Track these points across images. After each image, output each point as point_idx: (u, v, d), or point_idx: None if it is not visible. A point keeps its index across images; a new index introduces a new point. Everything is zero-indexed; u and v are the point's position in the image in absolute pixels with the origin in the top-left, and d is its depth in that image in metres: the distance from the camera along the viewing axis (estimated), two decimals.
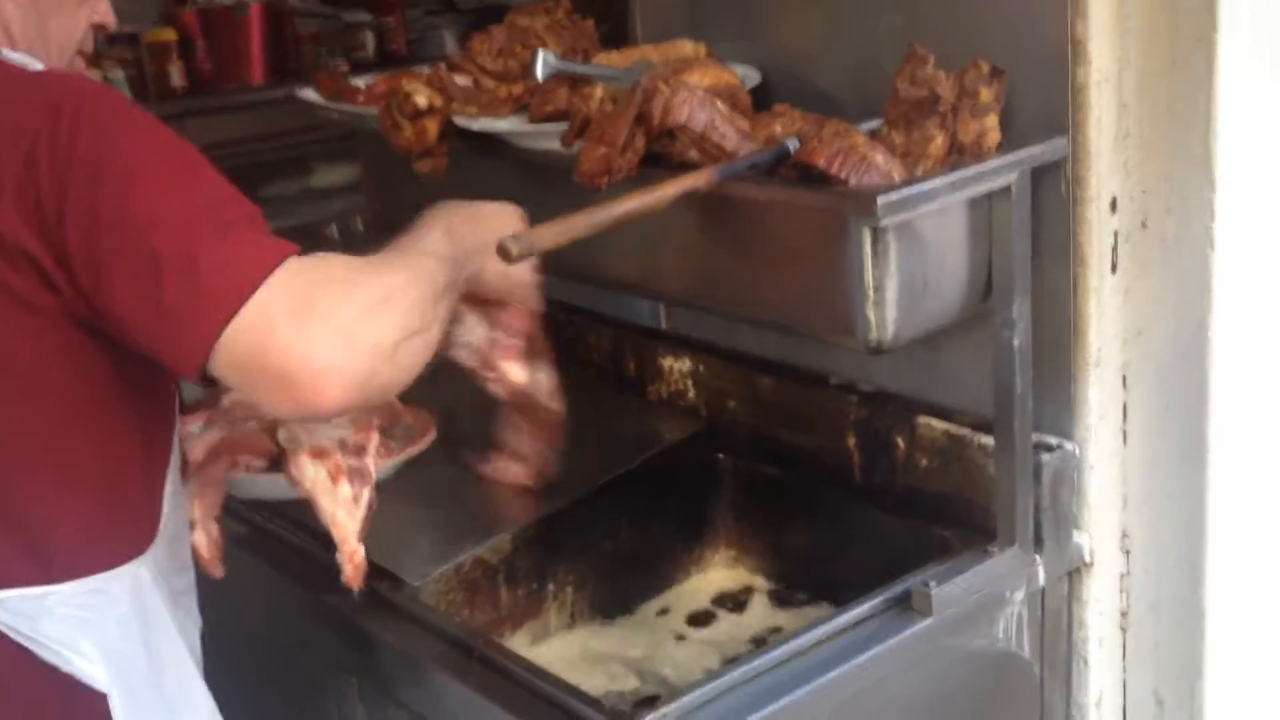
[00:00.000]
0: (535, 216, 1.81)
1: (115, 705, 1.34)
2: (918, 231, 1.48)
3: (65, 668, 1.33)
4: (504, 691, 1.51)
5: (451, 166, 1.87)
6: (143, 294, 1.20)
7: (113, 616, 1.35)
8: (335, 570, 1.71)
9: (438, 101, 1.79)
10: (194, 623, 1.50)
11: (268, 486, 1.69)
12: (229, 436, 1.63)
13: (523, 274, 1.54)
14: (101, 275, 1.21)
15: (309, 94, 2.10)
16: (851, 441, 1.88)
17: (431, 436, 1.91)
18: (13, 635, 1.32)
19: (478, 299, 1.55)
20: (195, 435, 1.58)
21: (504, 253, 1.35)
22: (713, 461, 2.03)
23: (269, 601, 1.80)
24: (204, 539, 1.60)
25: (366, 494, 1.52)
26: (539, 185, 1.82)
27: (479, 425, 1.79)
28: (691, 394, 2.11)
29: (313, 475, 1.51)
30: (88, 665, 1.33)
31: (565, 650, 1.89)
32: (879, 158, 1.47)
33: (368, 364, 1.22)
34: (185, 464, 1.55)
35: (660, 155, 1.62)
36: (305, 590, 1.73)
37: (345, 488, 1.51)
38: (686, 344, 2.15)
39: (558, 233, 1.37)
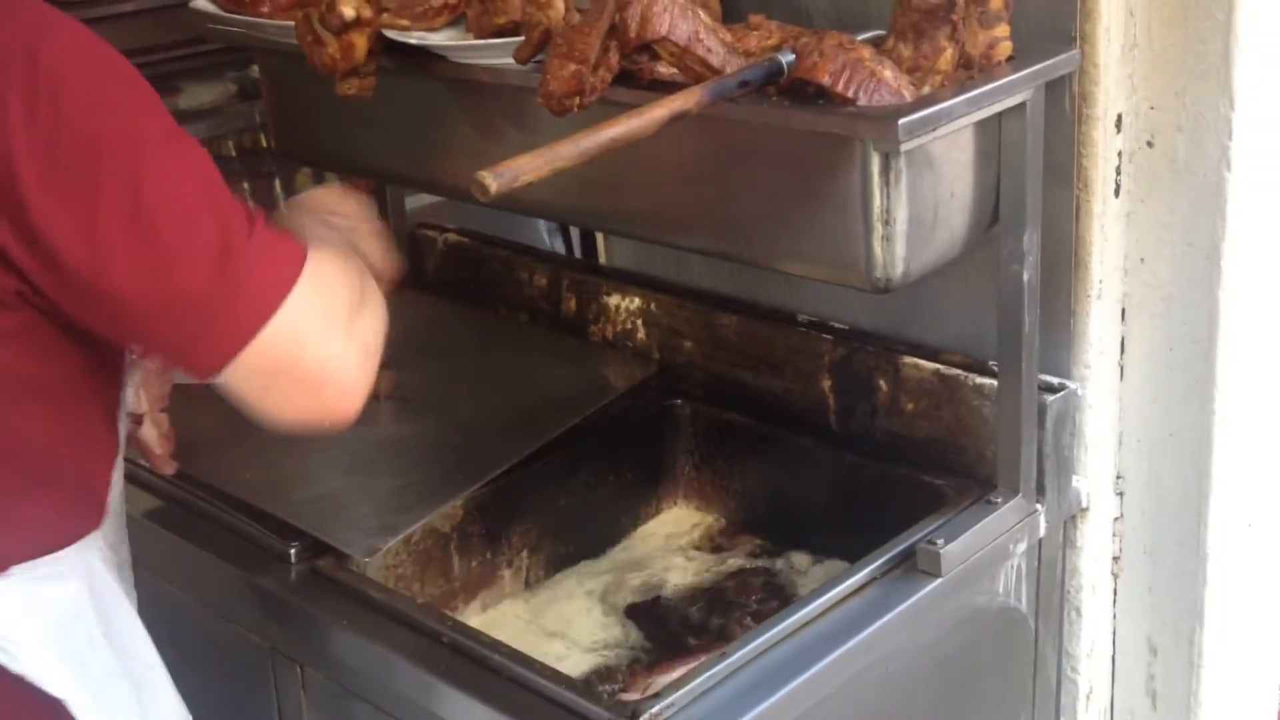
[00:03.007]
0: (479, 145, 1.64)
1: (75, 709, 1.20)
2: (929, 155, 1.34)
3: (14, 667, 1.18)
4: (479, 681, 1.35)
5: (379, 89, 1.66)
6: (159, 285, 1.09)
7: (66, 604, 1.20)
8: (270, 549, 1.54)
9: (366, 12, 1.57)
10: (133, 600, 1.34)
11: None
12: None
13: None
14: (108, 261, 1.07)
15: (203, 3, 1.86)
16: (826, 384, 1.74)
17: None
18: None
19: None
20: None
21: (481, 187, 1.17)
22: (669, 408, 1.88)
23: (198, 583, 1.60)
24: (153, 433, 1.49)
25: None
26: (482, 110, 1.64)
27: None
28: (641, 335, 1.95)
29: None
30: (39, 666, 1.18)
31: (518, 610, 1.74)
32: (888, 73, 1.31)
33: (369, 367, 1.18)
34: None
35: (628, 73, 1.44)
36: (238, 570, 1.54)
37: None
38: (633, 280, 1.98)
39: (541, 163, 1.19)
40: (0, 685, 1.19)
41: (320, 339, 1.13)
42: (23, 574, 1.19)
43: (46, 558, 1.21)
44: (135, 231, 1.08)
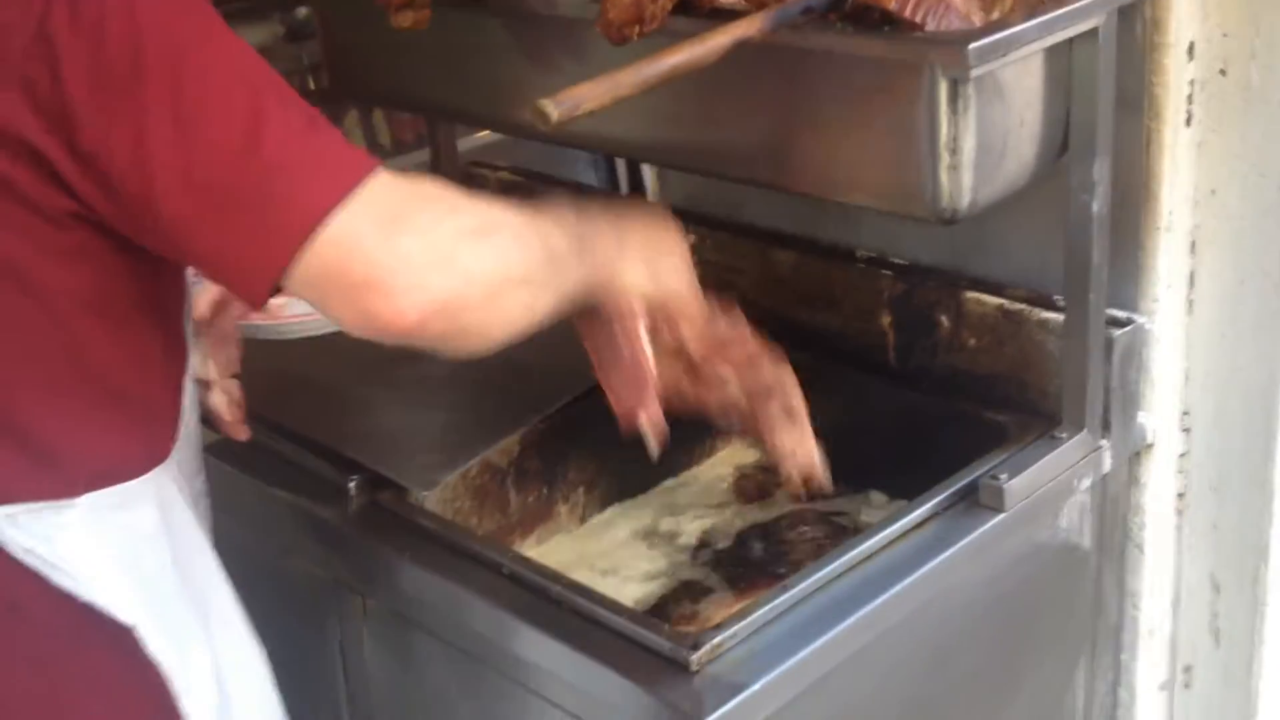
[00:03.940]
0: (535, 78, 1.63)
1: (144, 635, 1.19)
2: (998, 82, 1.31)
3: (84, 595, 1.17)
4: (539, 611, 1.35)
5: (434, 22, 1.65)
6: (203, 195, 1.04)
7: (138, 532, 1.19)
8: (329, 482, 1.55)
9: None
10: (209, 528, 1.34)
11: (278, 329, 1.62)
12: None
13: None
14: (154, 171, 1.03)
15: None
16: (886, 320, 1.72)
17: None
18: (25, 558, 1.15)
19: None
20: (194, 286, 1.37)
21: (541, 115, 1.16)
22: None
23: (258, 516, 1.61)
24: (223, 399, 1.45)
25: None
26: (539, 42, 1.62)
27: None
28: (697, 272, 1.92)
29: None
30: (109, 594, 1.17)
31: (570, 545, 1.74)
32: None
33: (460, 290, 1.10)
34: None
35: (687, 2, 1.42)
36: (298, 503, 1.55)
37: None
38: (687, 217, 1.94)
39: (603, 91, 1.17)
40: (69, 613, 1.18)
41: (375, 241, 1.07)
42: (94, 502, 1.18)
43: (117, 487, 1.19)
44: (179, 140, 1.04)
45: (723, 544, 1.69)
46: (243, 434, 1.49)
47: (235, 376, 1.48)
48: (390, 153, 3.43)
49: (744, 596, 1.52)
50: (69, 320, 1.13)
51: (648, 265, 1.31)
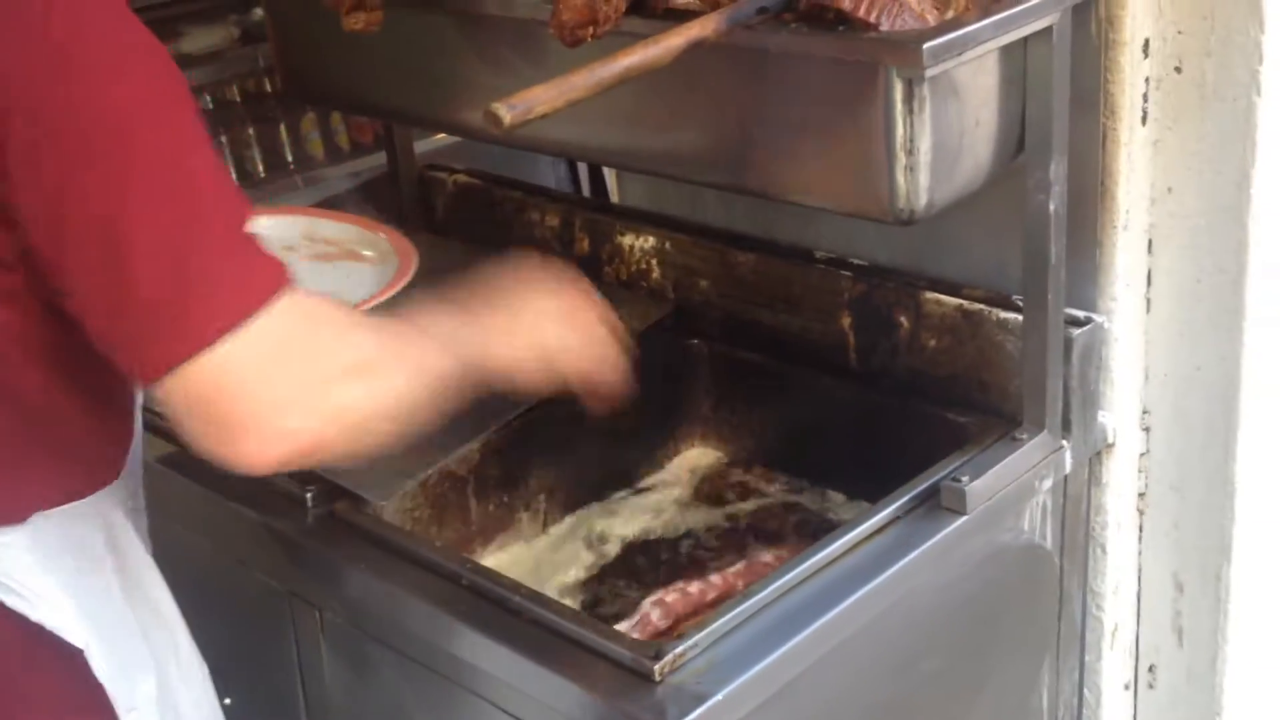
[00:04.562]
0: (489, 81, 1.61)
1: (93, 657, 1.17)
2: (953, 82, 1.30)
3: (33, 615, 1.16)
4: (499, 622, 1.33)
5: (386, 24, 1.62)
6: (107, 280, 1.01)
7: (85, 553, 1.18)
8: (286, 493, 1.52)
9: None
10: (148, 547, 1.32)
11: None
12: None
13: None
14: (60, 242, 1.01)
15: None
16: (846, 321, 1.71)
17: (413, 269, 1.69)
18: None
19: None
20: None
21: (494, 119, 1.14)
22: (686, 348, 1.85)
23: (214, 528, 1.59)
24: None
25: None
26: (492, 44, 1.60)
27: None
28: (656, 274, 1.92)
29: None
30: (58, 615, 1.16)
31: (525, 553, 1.72)
32: None
33: (322, 432, 1.06)
34: None
35: (641, 2, 1.41)
36: (255, 515, 1.52)
37: None
38: (647, 219, 1.95)
39: (556, 94, 1.16)
40: (21, 633, 1.17)
41: (250, 381, 1.03)
42: (42, 522, 1.17)
43: (65, 507, 1.18)
44: (95, 225, 1.00)
45: (679, 545, 1.68)
46: None
47: None
48: (348, 156, 3.41)
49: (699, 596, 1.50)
50: (19, 363, 1.11)
51: (537, 347, 1.31)
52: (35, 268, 1.05)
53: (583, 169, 3.17)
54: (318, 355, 1.07)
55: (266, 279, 1.05)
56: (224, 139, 3.22)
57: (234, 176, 3.14)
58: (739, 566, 1.55)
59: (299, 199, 3.07)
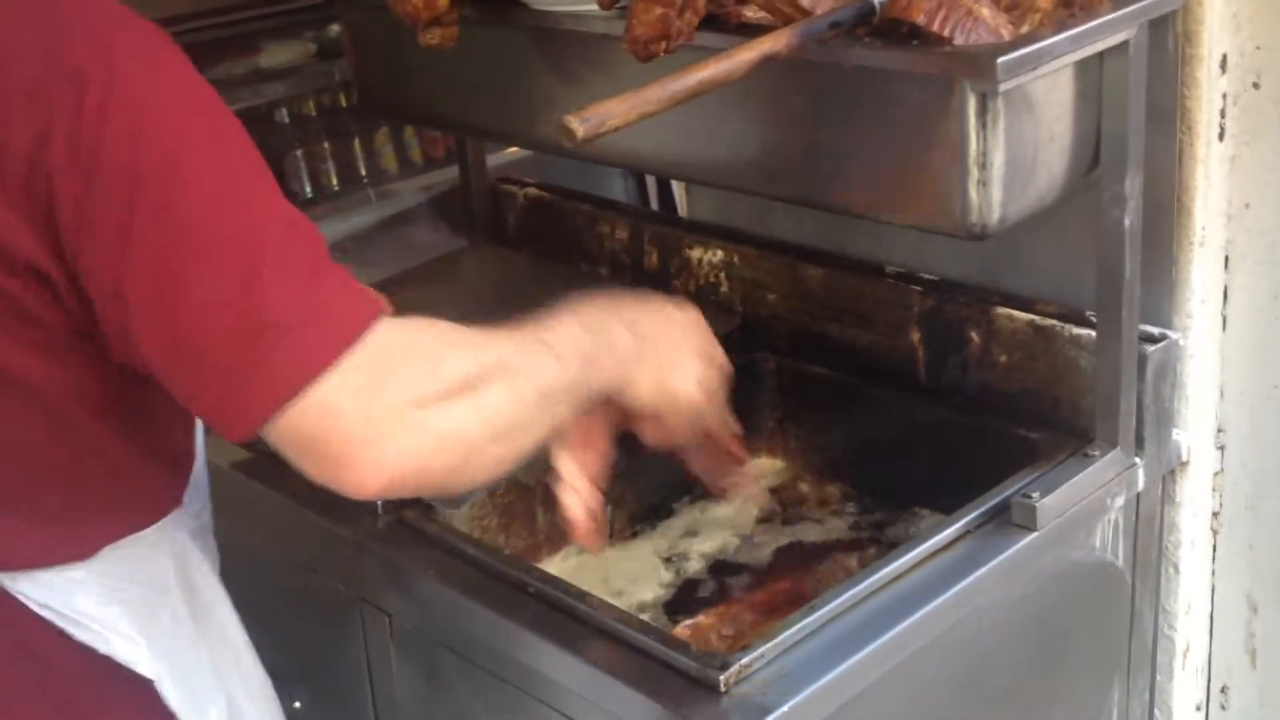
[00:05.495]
0: (562, 95, 1.62)
1: (164, 689, 1.18)
2: (1027, 96, 1.30)
3: (103, 649, 1.16)
4: (566, 630, 1.34)
5: (462, 40, 1.65)
6: (186, 348, 1.01)
7: (153, 583, 1.19)
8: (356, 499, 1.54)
9: None
10: (214, 560, 1.33)
11: None
12: None
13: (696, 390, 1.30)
14: (131, 310, 1.00)
15: None
16: (916, 336, 1.71)
17: None
18: (44, 613, 1.15)
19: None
20: None
21: (567, 132, 1.15)
22: (753, 361, 1.85)
23: (285, 534, 1.61)
24: (575, 499, 1.33)
25: None
26: (565, 59, 1.61)
27: None
28: (725, 288, 1.92)
29: None
30: (129, 649, 1.17)
31: (590, 563, 1.73)
32: (985, 11, 1.27)
33: (428, 457, 1.05)
34: None
35: (714, 17, 1.42)
36: (325, 521, 1.54)
37: None
38: (715, 232, 1.96)
39: (629, 107, 1.17)
40: (92, 666, 1.18)
41: (352, 415, 1.02)
42: (111, 555, 1.18)
43: (130, 536, 1.19)
44: (156, 297, 1.00)
45: (746, 562, 1.68)
46: (595, 547, 1.38)
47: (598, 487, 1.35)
48: (421, 169, 3.45)
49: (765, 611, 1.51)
50: (72, 417, 1.11)
51: (659, 372, 1.27)
52: (107, 334, 1.04)
53: (651, 183, 3.18)
54: (413, 382, 1.05)
55: (356, 310, 1.04)
56: (299, 153, 3.27)
57: (309, 190, 3.24)
58: (805, 579, 1.55)
59: (372, 212, 3.12)
